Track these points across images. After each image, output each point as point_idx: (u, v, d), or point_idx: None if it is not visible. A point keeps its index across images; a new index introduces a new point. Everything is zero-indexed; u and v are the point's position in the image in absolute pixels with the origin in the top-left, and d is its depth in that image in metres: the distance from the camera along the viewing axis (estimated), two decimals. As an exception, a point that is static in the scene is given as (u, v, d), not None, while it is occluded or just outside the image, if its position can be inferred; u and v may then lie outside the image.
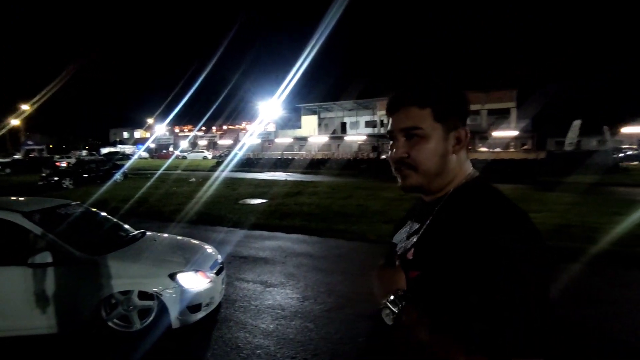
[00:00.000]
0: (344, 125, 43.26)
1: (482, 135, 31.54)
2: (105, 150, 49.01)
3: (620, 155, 26.34)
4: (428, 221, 0.87)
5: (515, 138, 32.43)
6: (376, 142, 35.09)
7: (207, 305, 3.47)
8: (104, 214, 4.43)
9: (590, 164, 17.26)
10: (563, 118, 27.03)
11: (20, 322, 3.10)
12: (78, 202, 4.38)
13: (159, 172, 21.56)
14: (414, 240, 0.88)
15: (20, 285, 3.07)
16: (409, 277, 0.84)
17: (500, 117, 32.38)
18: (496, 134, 31.11)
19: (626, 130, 32.69)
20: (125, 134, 69.95)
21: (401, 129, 0.87)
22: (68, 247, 3.22)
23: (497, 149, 29.82)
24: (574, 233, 6.24)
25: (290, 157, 30.98)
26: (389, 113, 0.90)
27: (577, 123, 24.11)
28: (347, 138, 40.58)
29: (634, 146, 30.13)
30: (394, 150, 0.89)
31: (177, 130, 67.29)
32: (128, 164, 23.13)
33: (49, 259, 3.05)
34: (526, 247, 0.71)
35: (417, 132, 0.85)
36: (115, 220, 4.38)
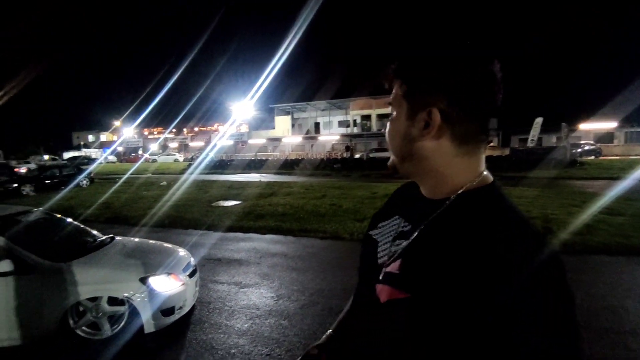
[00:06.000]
0: (317, 125, 43.49)
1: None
2: (68, 155, 46.87)
3: (579, 150, 27.93)
4: (422, 227, 0.69)
5: (483, 135, 33.52)
6: (349, 141, 35.46)
7: (181, 308, 3.43)
8: (69, 220, 4.29)
9: (551, 160, 18.27)
10: (526, 115, 28.30)
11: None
12: (40, 209, 4.22)
13: (127, 175, 20.90)
14: (402, 246, 0.71)
15: (-21, 297, 2.95)
16: (389, 297, 0.68)
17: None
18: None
19: (584, 126, 34.63)
20: (91, 137, 67.02)
21: (387, 104, 0.78)
22: (30, 254, 3.11)
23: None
24: (534, 224, 6.61)
25: (263, 157, 30.79)
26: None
27: (538, 120, 25.32)
28: (320, 138, 40.76)
29: (590, 142, 31.98)
30: None
31: (146, 132, 65.32)
32: (92, 167, 22.23)
33: (9, 268, 2.95)
34: (560, 285, 0.58)
35: (390, 107, 0.75)
36: (81, 225, 4.25)
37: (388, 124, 0.77)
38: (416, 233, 0.70)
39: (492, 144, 33.05)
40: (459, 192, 0.69)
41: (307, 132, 42.90)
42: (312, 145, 40.34)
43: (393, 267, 0.70)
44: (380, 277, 0.72)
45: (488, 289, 0.56)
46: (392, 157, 0.77)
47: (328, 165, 24.91)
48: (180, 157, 45.04)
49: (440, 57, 0.68)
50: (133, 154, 50.48)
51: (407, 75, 0.72)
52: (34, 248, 3.21)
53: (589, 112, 33.61)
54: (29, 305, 3.01)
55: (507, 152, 23.55)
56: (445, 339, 0.59)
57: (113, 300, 3.19)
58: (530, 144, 25.25)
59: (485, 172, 0.71)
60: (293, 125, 44.18)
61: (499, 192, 0.69)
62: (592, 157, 27.22)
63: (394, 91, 0.74)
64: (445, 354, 0.59)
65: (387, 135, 0.77)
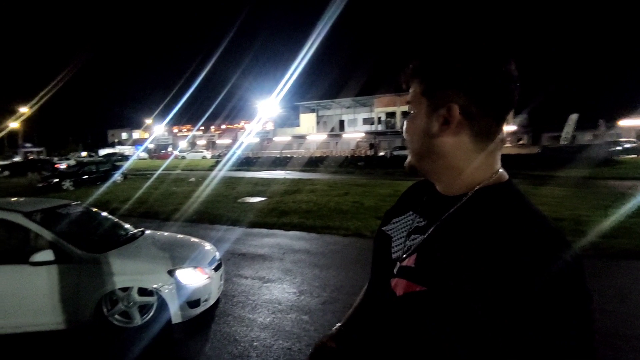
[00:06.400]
0: (342, 122, 43.36)
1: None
2: (104, 152, 49.06)
3: (618, 148, 26.46)
4: (438, 222, 0.71)
5: (512, 133, 32.55)
6: (374, 139, 35.21)
7: (206, 300, 3.56)
8: (104, 213, 4.53)
9: (585, 158, 17.44)
10: (560, 112, 27.15)
11: (26, 319, 3.20)
12: (78, 202, 4.48)
13: (158, 172, 21.63)
14: (418, 241, 0.73)
15: (22, 283, 3.18)
16: (406, 290, 0.69)
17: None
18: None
19: (624, 123, 32.81)
20: (124, 135, 69.91)
21: (406, 104, 0.79)
22: (69, 245, 3.32)
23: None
24: (563, 226, 6.38)
25: (288, 155, 31.06)
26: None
27: (573, 117, 24.26)
28: (345, 135, 40.68)
29: (632, 139, 30.25)
30: None
31: (175, 130, 67.22)
32: (127, 164, 23.19)
33: (51, 257, 3.16)
34: (578, 284, 0.57)
35: (409, 107, 0.77)
36: (115, 219, 4.48)
37: (406, 123, 0.78)
38: (432, 228, 0.71)
39: (521, 142, 31.98)
40: (476, 188, 0.70)
41: (332, 129, 42.88)
42: (336, 143, 40.32)
43: (409, 261, 0.71)
44: (395, 272, 0.73)
45: (503, 285, 0.56)
46: (409, 157, 0.79)
47: (352, 163, 24.90)
48: (207, 154, 46.18)
49: (460, 54, 0.69)
50: (163, 151, 52.25)
51: (426, 73, 0.73)
52: (72, 239, 3.42)
53: (630, 108, 31.79)
54: (68, 293, 3.22)
55: (537, 150, 22.66)
56: (460, 332, 0.59)
57: (143, 291, 3.36)
58: (563, 142, 24.22)
59: (501, 170, 0.72)
60: (318, 123, 44.25)
61: (516, 189, 0.70)
62: (635, 156, 25.73)
63: (411, 90, 0.76)
64: (460, 348, 0.59)
65: (405, 133, 0.78)
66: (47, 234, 3.32)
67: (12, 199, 4.24)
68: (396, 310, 0.70)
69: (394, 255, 0.78)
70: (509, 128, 31.83)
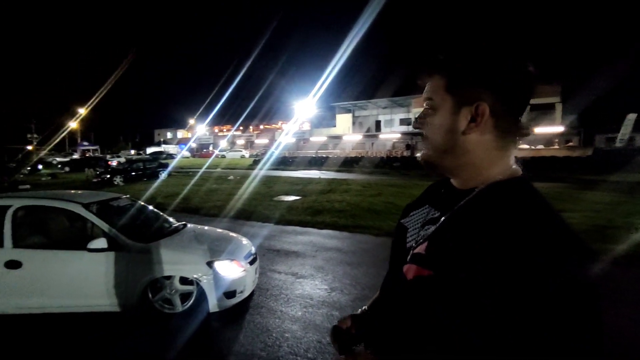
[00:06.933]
0: (378, 123, 43.01)
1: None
2: (150, 150, 51.86)
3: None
4: (449, 213, 0.73)
5: (560, 134, 30.68)
6: (410, 139, 34.59)
7: (241, 292, 3.73)
8: (150, 207, 4.87)
9: (644, 162, 16.13)
10: (616, 112, 25.27)
11: (83, 300, 3.52)
12: (128, 196, 4.85)
13: (201, 170, 22.56)
14: (430, 231, 0.75)
15: (81, 268, 3.51)
16: (415, 274, 0.71)
17: (543, 112, 30.84)
18: (538, 130, 29.62)
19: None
20: (169, 134, 73.62)
21: (423, 99, 0.80)
22: (120, 234, 3.61)
23: (540, 146, 28.44)
24: (611, 234, 5.99)
25: (324, 155, 31.26)
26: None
27: (631, 117, 22.50)
28: (381, 136, 40.28)
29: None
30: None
31: (216, 130, 69.71)
32: (174, 163, 24.37)
33: (104, 245, 3.46)
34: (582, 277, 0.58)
35: (429, 103, 0.77)
36: (160, 213, 4.80)
37: (427, 118, 0.78)
38: (443, 218, 0.73)
39: (571, 144, 30.02)
40: (489, 182, 0.72)
41: (368, 130, 42.63)
42: (372, 144, 40.01)
43: (420, 249, 0.73)
44: (408, 259, 0.76)
45: (514, 284, 0.56)
46: (425, 152, 0.79)
47: (387, 164, 24.65)
48: (246, 153, 47.51)
49: (490, 53, 0.70)
50: (205, 150, 54.37)
51: (453, 70, 0.73)
52: (123, 229, 3.72)
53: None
54: (119, 278, 3.50)
55: (588, 152, 21.21)
56: (468, 322, 0.60)
57: (184, 280, 3.58)
58: (619, 144, 22.52)
59: (514, 166, 0.74)
60: (354, 123, 44.17)
61: (528, 185, 0.71)
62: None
63: (430, 85, 0.77)
64: (475, 337, 0.60)
65: (426, 129, 0.78)
66: (102, 224, 3.64)
67: (72, 191, 4.66)
68: (406, 294, 0.74)
69: (408, 245, 0.82)
70: (555, 129, 30.02)
